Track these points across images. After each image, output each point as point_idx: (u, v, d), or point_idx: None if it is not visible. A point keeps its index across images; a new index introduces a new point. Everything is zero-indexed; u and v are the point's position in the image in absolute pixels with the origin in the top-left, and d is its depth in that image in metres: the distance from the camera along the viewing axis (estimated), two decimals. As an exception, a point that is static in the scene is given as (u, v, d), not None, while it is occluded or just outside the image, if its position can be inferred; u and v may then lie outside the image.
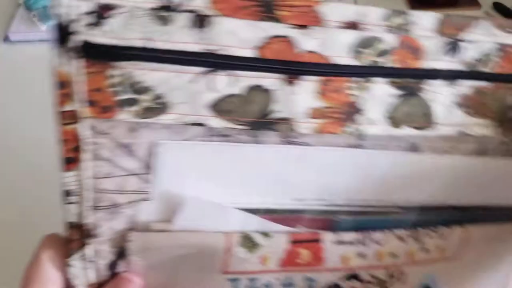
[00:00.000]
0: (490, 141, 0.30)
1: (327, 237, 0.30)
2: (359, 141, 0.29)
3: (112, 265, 0.29)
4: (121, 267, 0.29)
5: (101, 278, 0.29)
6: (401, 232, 0.31)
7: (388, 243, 0.31)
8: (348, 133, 0.27)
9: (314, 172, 0.29)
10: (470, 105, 0.29)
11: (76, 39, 0.23)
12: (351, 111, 0.27)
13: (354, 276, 0.31)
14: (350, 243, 0.30)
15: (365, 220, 0.31)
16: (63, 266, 0.28)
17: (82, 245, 0.27)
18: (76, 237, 0.27)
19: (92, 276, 0.28)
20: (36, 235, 0.29)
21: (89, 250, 0.28)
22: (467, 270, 0.33)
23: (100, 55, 0.23)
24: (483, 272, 0.33)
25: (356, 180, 0.30)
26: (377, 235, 0.30)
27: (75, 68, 0.23)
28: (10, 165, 0.55)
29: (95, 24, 0.23)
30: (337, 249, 0.30)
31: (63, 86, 0.24)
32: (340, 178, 0.30)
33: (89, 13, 0.23)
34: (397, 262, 0.31)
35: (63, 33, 0.22)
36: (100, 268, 0.28)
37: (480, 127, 0.29)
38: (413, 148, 0.30)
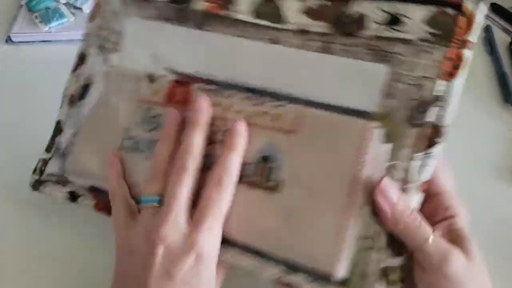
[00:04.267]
0: (332, 41, 0.42)
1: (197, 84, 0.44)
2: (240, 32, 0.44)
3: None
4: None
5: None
6: (248, 94, 0.42)
7: (236, 96, 0.42)
8: (225, 14, 0.44)
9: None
10: (313, 13, 0.42)
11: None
12: (226, 1, 0.44)
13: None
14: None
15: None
16: None
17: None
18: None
19: None
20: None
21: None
22: (302, 144, 0.40)
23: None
24: (318, 150, 0.40)
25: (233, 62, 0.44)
26: (229, 91, 0.43)
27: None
28: (10, 165, 0.55)
29: None
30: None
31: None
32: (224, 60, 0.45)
33: None
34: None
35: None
36: None
37: (319, 27, 0.42)
38: (275, 41, 0.44)
